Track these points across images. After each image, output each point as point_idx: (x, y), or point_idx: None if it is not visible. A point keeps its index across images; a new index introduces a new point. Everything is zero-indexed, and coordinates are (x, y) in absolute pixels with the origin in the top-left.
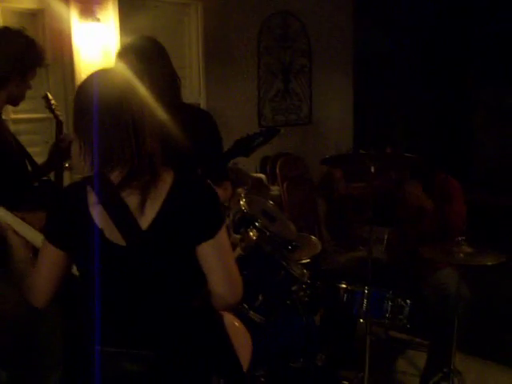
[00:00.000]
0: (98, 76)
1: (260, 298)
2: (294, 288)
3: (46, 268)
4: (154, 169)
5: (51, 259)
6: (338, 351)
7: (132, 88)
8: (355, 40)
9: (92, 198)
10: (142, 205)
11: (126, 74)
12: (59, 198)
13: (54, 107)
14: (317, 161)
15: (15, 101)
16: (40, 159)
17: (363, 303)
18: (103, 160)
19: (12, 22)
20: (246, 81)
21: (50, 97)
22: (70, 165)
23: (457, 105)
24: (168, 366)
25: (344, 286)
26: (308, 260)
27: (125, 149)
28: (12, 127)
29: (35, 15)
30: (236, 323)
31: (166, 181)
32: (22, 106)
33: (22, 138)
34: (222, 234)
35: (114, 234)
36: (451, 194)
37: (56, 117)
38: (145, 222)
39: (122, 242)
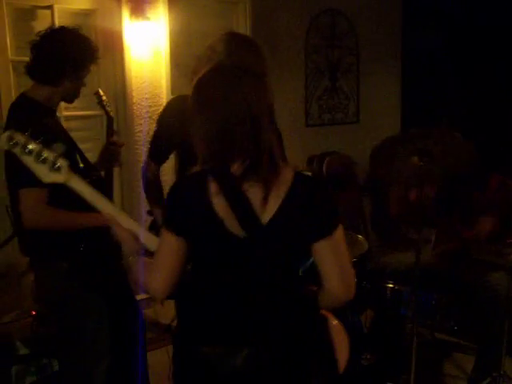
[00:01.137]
0: (218, 73)
1: None
2: None
3: (166, 257)
4: (273, 163)
5: (171, 247)
6: (384, 352)
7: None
8: (403, 38)
9: (213, 188)
10: (264, 199)
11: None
12: (180, 186)
13: (105, 103)
14: (364, 159)
15: (70, 98)
16: (91, 155)
17: (410, 303)
18: (225, 151)
19: (66, 22)
20: (293, 79)
21: (101, 93)
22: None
23: (507, 102)
24: (275, 363)
25: (391, 285)
26: (354, 259)
27: (245, 141)
28: (64, 124)
29: (88, 15)
30: (335, 323)
31: (287, 177)
32: (74, 103)
33: (74, 135)
34: (339, 233)
35: (233, 226)
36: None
37: (107, 113)
38: (265, 216)
39: (242, 234)
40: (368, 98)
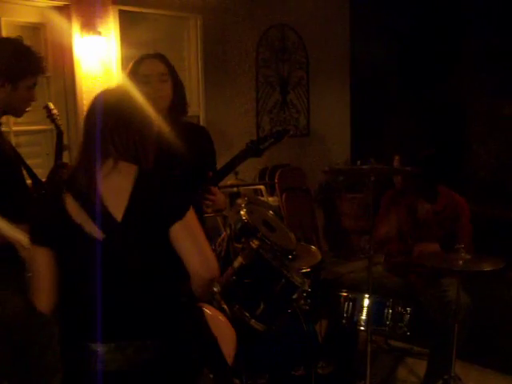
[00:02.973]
0: (102, 92)
1: (261, 306)
2: (294, 296)
3: (41, 271)
4: (105, 155)
5: (43, 262)
6: (339, 359)
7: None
8: (352, 51)
9: (66, 196)
10: (111, 196)
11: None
12: (38, 202)
13: (55, 117)
14: (315, 172)
15: (15, 111)
16: (41, 171)
17: (363, 311)
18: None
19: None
20: (244, 93)
21: (51, 106)
22: None
23: (453, 116)
24: (161, 355)
25: (345, 294)
26: (308, 269)
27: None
28: (13, 139)
29: (37, 29)
30: (220, 317)
31: (130, 173)
32: (23, 118)
33: (24, 150)
34: (191, 215)
35: (92, 229)
36: (459, 213)
37: (57, 127)
38: (118, 213)
39: (101, 235)
40: (318, 111)
